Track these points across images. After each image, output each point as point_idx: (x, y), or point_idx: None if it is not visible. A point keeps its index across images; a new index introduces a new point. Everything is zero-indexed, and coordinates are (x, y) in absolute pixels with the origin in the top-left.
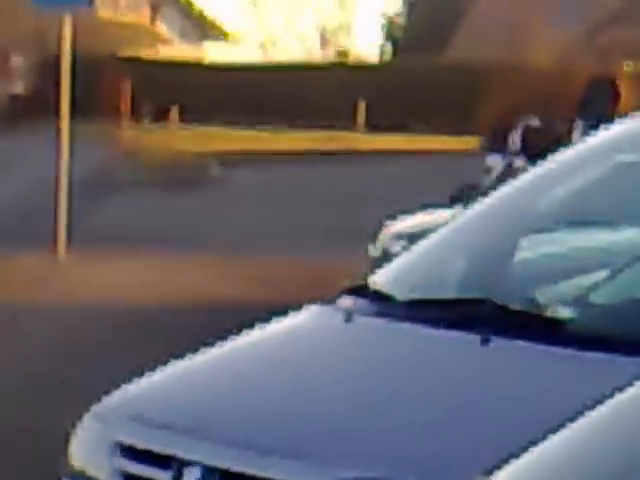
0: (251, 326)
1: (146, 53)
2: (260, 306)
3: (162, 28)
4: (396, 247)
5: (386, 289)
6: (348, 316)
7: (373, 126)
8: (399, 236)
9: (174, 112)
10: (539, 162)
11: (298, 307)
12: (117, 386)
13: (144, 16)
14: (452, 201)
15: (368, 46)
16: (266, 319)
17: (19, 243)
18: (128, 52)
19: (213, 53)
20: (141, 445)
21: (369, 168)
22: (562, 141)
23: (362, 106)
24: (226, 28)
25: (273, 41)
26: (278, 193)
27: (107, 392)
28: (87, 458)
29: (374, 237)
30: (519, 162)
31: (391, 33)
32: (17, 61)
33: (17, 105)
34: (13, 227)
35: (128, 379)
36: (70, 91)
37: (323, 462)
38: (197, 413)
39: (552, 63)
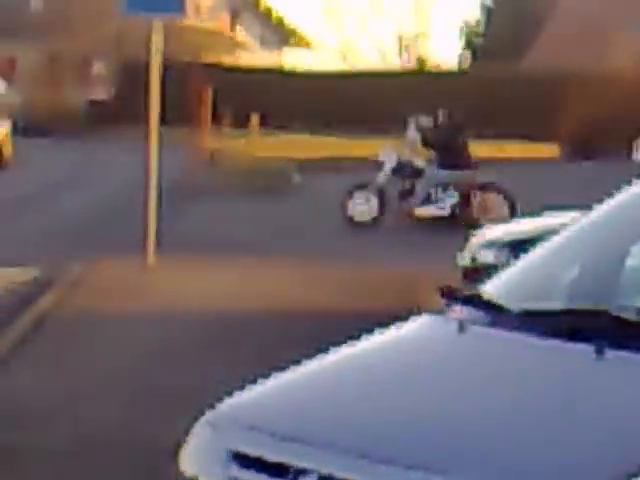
0: (352, 335)
1: (226, 60)
2: (346, 314)
3: (242, 35)
4: (486, 255)
5: (498, 299)
6: (461, 326)
7: None
8: (489, 244)
9: (255, 119)
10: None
11: (391, 316)
12: (213, 393)
13: (224, 23)
14: (344, 200)
15: (446, 53)
16: (369, 328)
17: (109, 248)
18: (209, 58)
19: (292, 60)
20: (255, 453)
21: None
22: (451, 138)
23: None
24: (305, 35)
25: (351, 48)
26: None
27: (212, 399)
28: (200, 466)
29: (463, 246)
30: (407, 157)
31: (469, 40)
32: (98, 67)
33: (98, 111)
34: (102, 232)
35: (227, 386)
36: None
37: (439, 474)
38: (312, 421)
39: (632, 70)
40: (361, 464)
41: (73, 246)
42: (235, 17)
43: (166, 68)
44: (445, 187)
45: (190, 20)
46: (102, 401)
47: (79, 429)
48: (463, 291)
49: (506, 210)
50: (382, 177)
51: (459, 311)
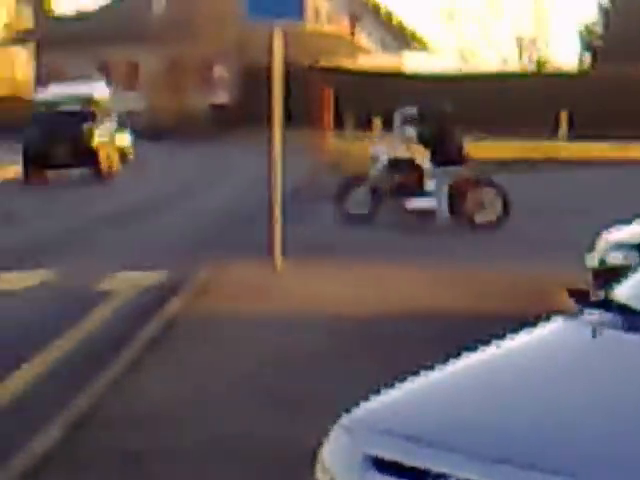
0: (484, 339)
1: (347, 63)
2: (476, 315)
3: (362, 38)
4: (616, 257)
5: (632, 303)
6: (595, 330)
7: (575, 135)
8: (618, 246)
9: (377, 121)
10: None
11: (516, 320)
12: (349, 398)
13: (344, 27)
14: (338, 196)
15: (565, 54)
16: (496, 332)
17: (235, 251)
18: (329, 62)
19: (412, 63)
20: (392, 458)
21: (572, 176)
22: (450, 129)
23: (564, 115)
24: (424, 38)
25: (470, 51)
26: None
27: (346, 404)
28: (336, 470)
29: (591, 247)
30: (400, 152)
31: (588, 41)
32: (220, 71)
33: (220, 114)
34: (227, 235)
35: (365, 392)
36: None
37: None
38: (448, 426)
39: None
40: (499, 469)
41: (199, 249)
42: (355, 21)
43: (287, 72)
44: (439, 182)
45: (310, 24)
46: (232, 404)
47: (209, 431)
48: (593, 294)
49: (499, 206)
50: (375, 172)
51: (593, 315)
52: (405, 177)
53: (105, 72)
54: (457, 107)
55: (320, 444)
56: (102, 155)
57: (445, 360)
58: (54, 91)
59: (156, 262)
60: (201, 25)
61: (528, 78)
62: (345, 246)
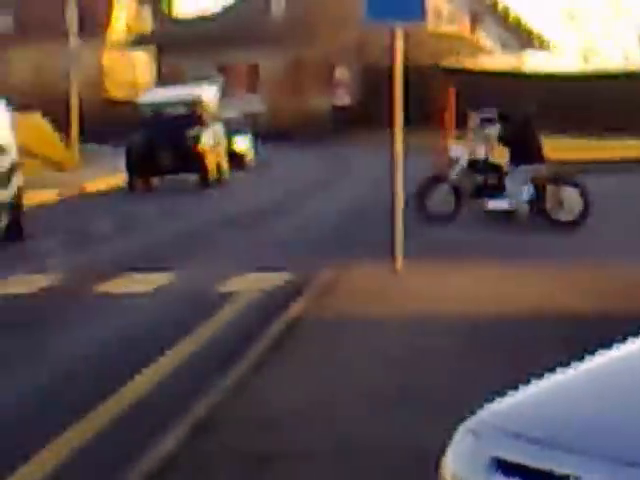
0: (608, 339)
1: (468, 63)
2: (598, 316)
3: (483, 38)
4: None
5: None
6: None
7: None
8: None
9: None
10: None
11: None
12: (472, 400)
13: (465, 27)
14: (419, 195)
15: None
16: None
17: (357, 252)
18: (450, 62)
19: (533, 62)
20: (519, 460)
21: None
22: (531, 129)
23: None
24: (546, 37)
25: (592, 49)
26: (608, 202)
27: (470, 406)
28: (461, 473)
29: None
30: (481, 152)
31: None
32: (340, 73)
33: (341, 116)
34: (349, 236)
35: (489, 394)
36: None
37: None
38: (576, 428)
39: None
40: (629, 472)
41: (320, 252)
42: (475, 21)
43: (408, 72)
44: (519, 182)
45: (431, 25)
46: (358, 404)
47: (336, 432)
48: None
49: (580, 204)
50: (455, 173)
51: None
52: (485, 178)
53: (225, 74)
54: (540, 107)
55: (445, 446)
56: (209, 161)
57: (572, 361)
58: (159, 94)
59: (282, 262)
60: (321, 26)
61: None
62: (468, 246)
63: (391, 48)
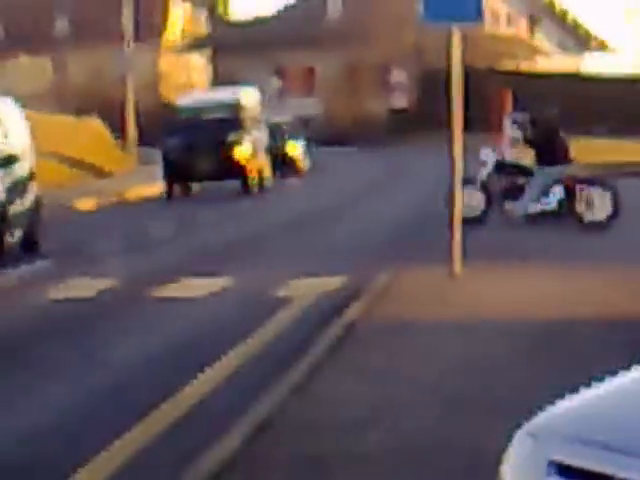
0: None
1: (525, 65)
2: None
3: (541, 40)
4: None
5: None
6: None
7: None
8: None
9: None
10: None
11: None
12: (533, 403)
13: (522, 29)
14: (449, 198)
15: None
16: None
17: (415, 256)
18: (508, 65)
19: (592, 64)
20: (578, 465)
21: None
22: (555, 131)
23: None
24: (604, 39)
25: None
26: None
27: (530, 410)
28: (520, 477)
29: None
30: (509, 155)
31: None
32: (398, 75)
33: (399, 119)
34: (407, 239)
35: (549, 397)
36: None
37: None
38: (636, 432)
39: None
40: None
41: (378, 255)
42: (533, 23)
43: (465, 75)
44: (547, 183)
45: (489, 27)
46: (415, 410)
47: (394, 437)
48: None
49: (610, 206)
50: (484, 175)
51: None
52: (512, 179)
53: (281, 77)
54: (564, 110)
55: (503, 448)
56: (250, 167)
57: (631, 365)
58: (199, 97)
59: (338, 266)
60: (377, 28)
61: None
62: (524, 250)
63: (448, 50)
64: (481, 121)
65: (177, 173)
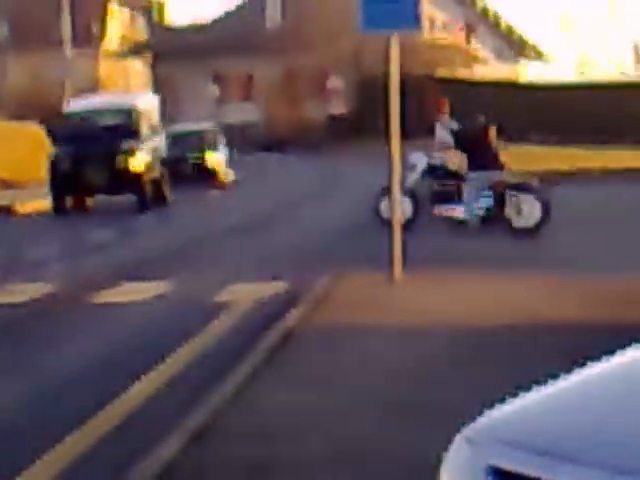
0: (605, 349)
1: (462, 73)
2: (596, 326)
3: (478, 48)
4: None
5: None
6: None
7: None
8: None
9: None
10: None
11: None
12: (471, 408)
13: (460, 36)
14: (382, 196)
15: None
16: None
17: (354, 263)
18: (445, 72)
19: (527, 72)
20: (516, 470)
21: None
22: (486, 137)
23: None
24: (541, 47)
25: (587, 59)
26: (598, 211)
27: (468, 415)
28: None
29: None
30: (438, 159)
31: None
32: (335, 82)
33: (336, 125)
34: (345, 246)
35: (487, 403)
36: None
37: None
38: (574, 438)
39: None
40: None
41: (317, 261)
42: (470, 31)
43: (403, 82)
44: (477, 188)
45: (426, 34)
46: (354, 416)
47: (332, 444)
48: None
49: (539, 212)
50: (413, 179)
51: None
52: (442, 184)
53: (220, 83)
54: (490, 118)
55: (442, 454)
56: (145, 179)
57: (567, 371)
58: (90, 101)
59: (277, 273)
60: (316, 35)
61: None
62: (465, 257)
63: (386, 57)
64: (418, 128)
65: (65, 186)
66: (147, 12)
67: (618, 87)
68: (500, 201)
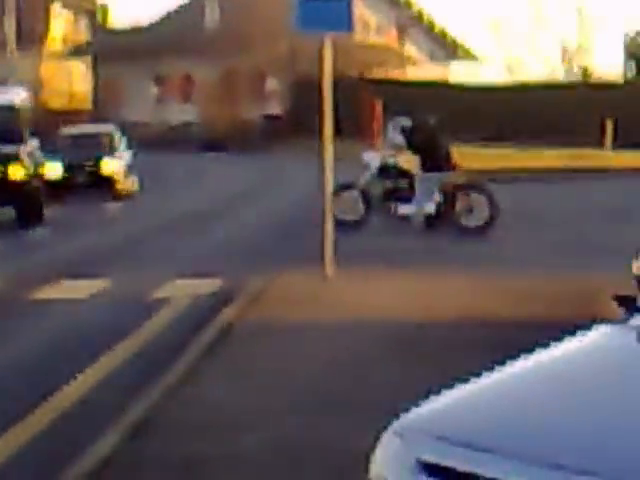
0: (537, 344)
1: (395, 74)
2: (520, 322)
3: (410, 50)
4: None
5: None
6: None
7: (620, 144)
8: None
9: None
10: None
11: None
12: (401, 402)
13: (392, 38)
14: (333, 195)
15: (609, 64)
16: (554, 337)
17: (287, 261)
18: (378, 73)
19: (459, 73)
20: (444, 463)
21: (619, 185)
22: (437, 138)
23: (609, 124)
24: (471, 49)
25: (516, 61)
26: (529, 210)
27: (399, 409)
28: (388, 476)
29: (637, 254)
30: (391, 159)
31: (633, 51)
32: (272, 83)
33: (272, 126)
34: (279, 245)
35: (416, 397)
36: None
37: None
38: (501, 432)
39: None
40: (554, 476)
41: (252, 259)
42: (402, 33)
43: (337, 83)
44: (428, 188)
45: (359, 36)
46: (289, 410)
47: (267, 438)
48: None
49: (488, 212)
50: (366, 178)
51: (639, 320)
52: (395, 183)
53: (161, 84)
54: (441, 118)
55: (372, 448)
56: (28, 190)
57: (494, 366)
58: None
59: (213, 270)
60: (254, 37)
61: (573, 88)
62: (397, 255)
63: (320, 59)
64: (351, 128)
65: None
66: (91, 15)
67: (547, 88)
68: (451, 201)
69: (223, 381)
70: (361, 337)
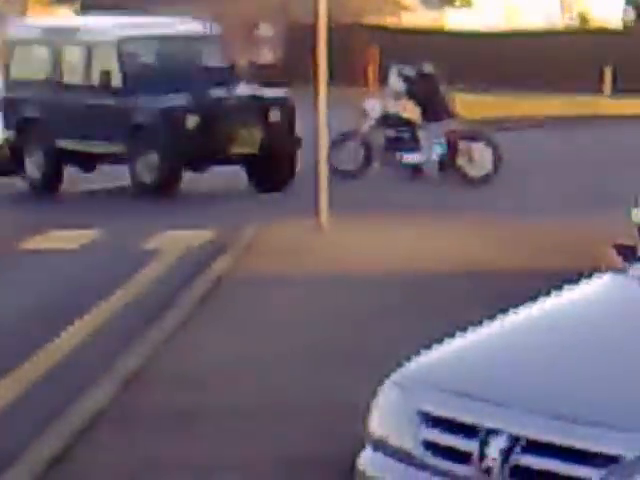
0: (538, 294)
1: (389, 21)
2: (523, 271)
3: None
4: None
5: None
6: None
7: (619, 90)
8: None
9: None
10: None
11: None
12: (401, 354)
13: None
14: (333, 145)
15: (608, 10)
16: (555, 287)
17: (282, 210)
18: (372, 20)
19: (455, 20)
20: (445, 414)
21: (617, 132)
22: (437, 87)
23: (608, 71)
24: None
25: (514, 7)
26: (526, 157)
27: (399, 360)
28: (389, 427)
29: (637, 202)
30: (393, 107)
31: None
32: (264, 30)
33: (265, 73)
34: (275, 196)
35: (415, 347)
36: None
37: (633, 432)
38: (500, 382)
39: None
40: (553, 425)
41: (245, 209)
42: None
43: (331, 30)
44: (431, 137)
45: None
46: (285, 362)
47: (264, 390)
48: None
49: (491, 161)
50: (367, 127)
51: (639, 269)
52: (397, 132)
53: None
54: (438, 67)
55: (371, 398)
56: None
57: (495, 316)
58: None
59: (205, 221)
60: None
61: (571, 35)
62: (392, 204)
63: (314, 5)
64: (347, 75)
65: None
66: None
67: (545, 34)
68: (453, 150)
69: (215, 334)
70: (356, 288)
